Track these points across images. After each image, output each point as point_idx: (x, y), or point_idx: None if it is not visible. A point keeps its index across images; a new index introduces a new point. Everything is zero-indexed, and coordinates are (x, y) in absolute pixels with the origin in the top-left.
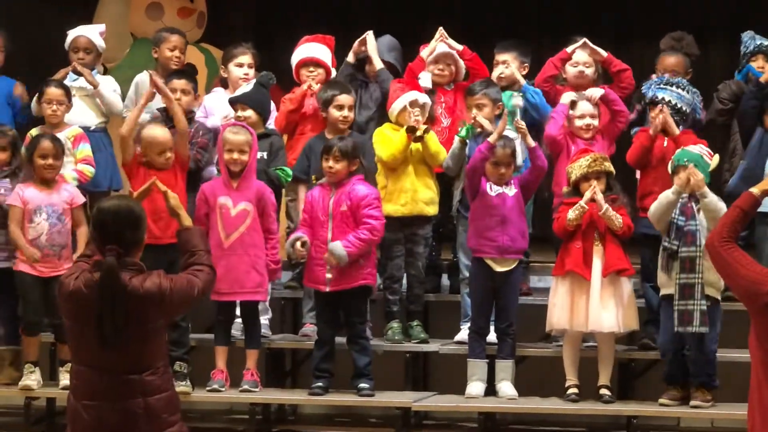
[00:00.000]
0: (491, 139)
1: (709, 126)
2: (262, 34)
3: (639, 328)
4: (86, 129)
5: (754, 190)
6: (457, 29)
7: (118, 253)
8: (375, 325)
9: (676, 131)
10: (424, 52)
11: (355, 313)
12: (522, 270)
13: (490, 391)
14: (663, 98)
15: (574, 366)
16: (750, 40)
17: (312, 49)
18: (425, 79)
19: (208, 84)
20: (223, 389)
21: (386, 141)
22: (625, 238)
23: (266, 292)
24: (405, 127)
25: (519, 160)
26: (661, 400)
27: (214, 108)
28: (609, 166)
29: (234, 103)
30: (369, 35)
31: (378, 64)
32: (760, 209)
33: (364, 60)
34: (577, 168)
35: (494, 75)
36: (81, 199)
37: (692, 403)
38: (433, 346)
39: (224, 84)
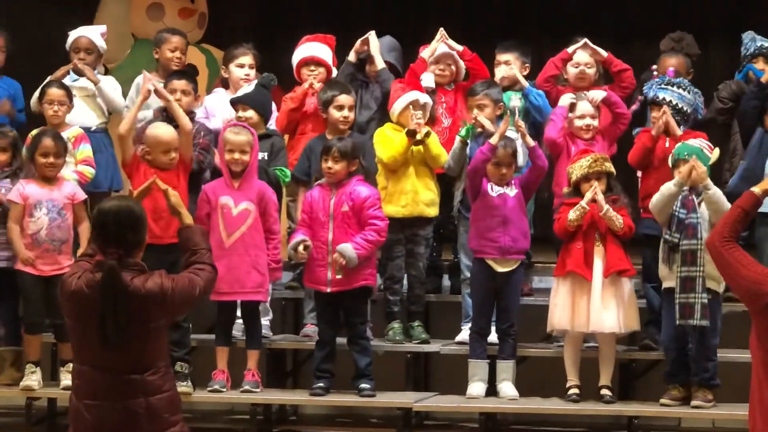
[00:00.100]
0: (493, 140)
1: (709, 126)
2: (262, 34)
3: (640, 328)
4: (87, 129)
5: (756, 189)
6: (457, 29)
7: (119, 254)
8: (376, 326)
9: (678, 132)
10: (425, 53)
11: (355, 313)
12: (523, 270)
13: (491, 391)
14: (664, 98)
15: (575, 366)
16: (750, 42)
17: (313, 48)
18: (428, 80)
19: (209, 85)
20: (224, 390)
21: (387, 142)
22: (626, 239)
23: (267, 292)
24: (405, 130)
25: (520, 160)
26: (662, 401)
27: (216, 109)
28: (610, 166)
29: (235, 103)
30: (371, 35)
31: (380, 64)
32: (761, 209)
33: (364, 60)
34: (577, 168)
35: (496, 75)
36: (82, 195)
37: (693, 403)
38: (434, 347)
39: (225, 84)
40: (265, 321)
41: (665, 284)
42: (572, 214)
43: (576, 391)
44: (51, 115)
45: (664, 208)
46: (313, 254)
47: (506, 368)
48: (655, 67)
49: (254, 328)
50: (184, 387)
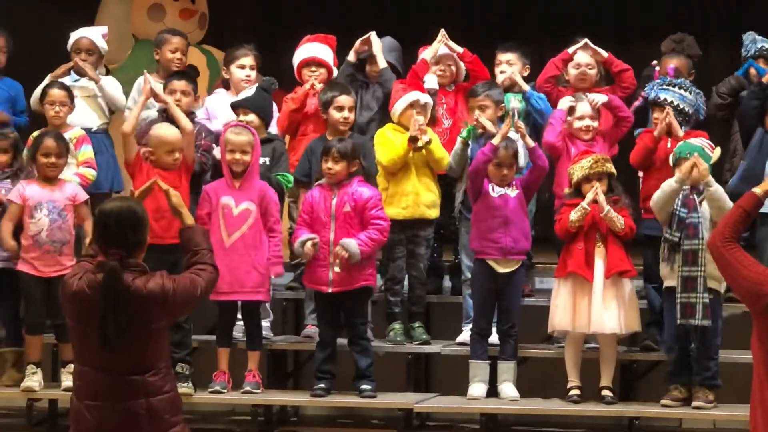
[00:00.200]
0: (494, 140)
1: (710, 126)
2: (263, 34)
3: (641, 329)
4: (87, 130)
5: (757, 190)
6: (457, 29)
7: (120, 255)
8: (376, 327)
9: (680, 133)
10: (427, 54)
11: (356, 314)
12: (524, 271)
13: (492, 392)
14: (665, 99)
15: (576, 367)
16: (751, 43)
17: (314, 48)
18: (431, 82)
19: (210, 86)
20: (225, 391)
21: (387, 144)
22: (627, 240)
23: (267, 292)
24: (408, 137)
25: (521, 161)
26: (663, 401)
27: (217, 110)
28: (611, 167)
29: (236, 107)
30: (373, 35)
31: (382, 64)
32: (762, 209)
33: (364, 60)
34: (578, 169)
35: (497, 74)
36: (84, 195)
37: (694, 404)
38: (435, 348)
39: (226, 85)
40: (265, 322)
41: (666, 283)
42: (573, 215)
43: (577, 392)
44: (52, 115)
45: (664, 206)
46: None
47: (507, 369)
48: (656, 62)
49: (255, 329)
50: (185, 388)
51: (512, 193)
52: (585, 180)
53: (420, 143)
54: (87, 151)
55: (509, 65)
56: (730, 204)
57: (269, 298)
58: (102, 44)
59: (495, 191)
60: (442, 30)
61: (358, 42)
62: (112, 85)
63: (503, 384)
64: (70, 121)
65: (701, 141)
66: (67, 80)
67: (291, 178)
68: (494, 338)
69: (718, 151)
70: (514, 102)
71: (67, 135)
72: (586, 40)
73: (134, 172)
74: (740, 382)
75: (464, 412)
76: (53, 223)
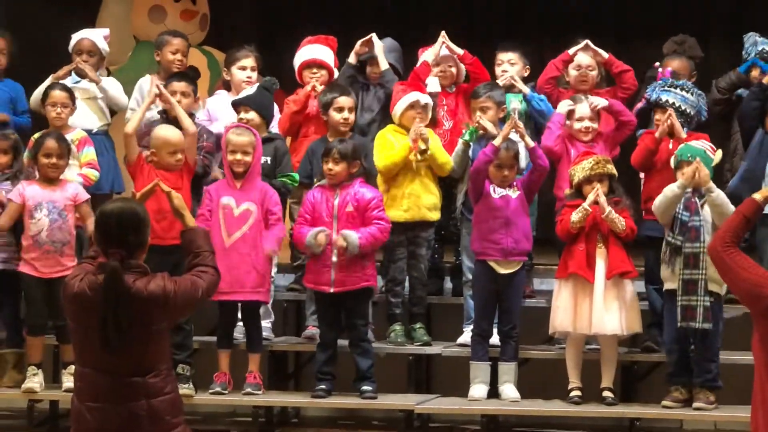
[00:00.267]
0: (496, 141)
1: (710, 126)
2: (263, 34)
3: (642, 330)
4: (88, 132)
5: (757, 196)
6: (457, 29)
7: (121, 256)
8: (377, 328)
9: (683, 134)
10: (428, 56)
11: (357, 315)
12: (525, 272)
13: (493, 393)
14: (667, 101)
15: (577, 368)
16: (751, 46)
17: (314, 50)
18: (433, 85)
19: (210, 87)
20: (226, 392)
21: (385, 148)
22: (628, 241)
23: (267, 293)
24: (416, 152)
25: (522, 163)
26: (664, 403)
27: (218, 112)
28: (612, 168)
29: (237, 105)
30: (374, 37)
31: (383, 65)
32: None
33: (365, 62)
34: (579, 170)
35: (498, 74)
36: (85, 195)
37: (695, 405)
38: (436, 349)
39: (227, 86)
40: (266, 323)
41: (667, 286)
42: (575, 216)
43: (578, 393)
44: (54, 117)
45: (667, 210)
46: (316, 254)
47: (508, 370)
48: (658, 64)
49: (255, 331)
50: (185, 389)
51: (513, 194)
52: (586, 181)
53: (417, 157)
54: (89, 153)
55: (511, 65)
56: (731, 209)
57: (269, 298)
58: (103, 46)
59: (496, 192)
60: (443, 32)
61: (358, 44)
62: (113, 85)
63: (504, 385)
64: (71, 123)
65: (703, 144)
66: (67, 82)
67: (296, 176)
68: (495, 339)
69: (719, 153)
70: (514, 103)
71: (68, 136)
72: (586, 41)
73: (135, 172)
74: (741, 384)
75: (465, 413)
76: (53, 224)
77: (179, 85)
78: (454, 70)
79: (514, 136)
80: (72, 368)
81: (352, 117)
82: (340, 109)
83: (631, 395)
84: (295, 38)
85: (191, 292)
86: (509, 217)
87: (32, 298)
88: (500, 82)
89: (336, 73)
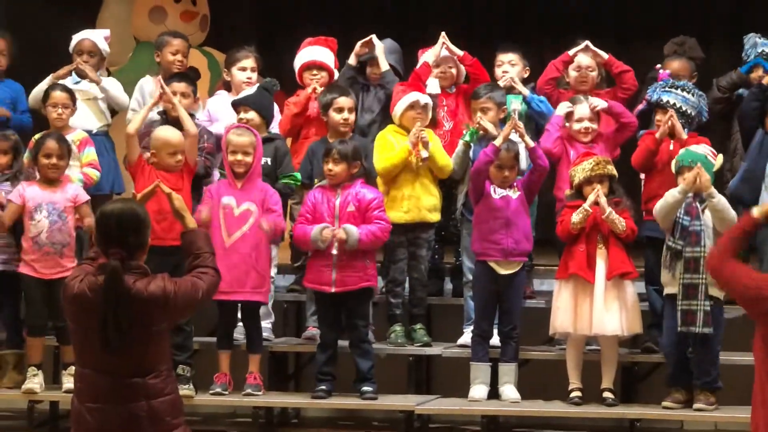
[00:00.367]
0: (496, 142)
1: (710, 126)
2: (263, 35)
3: (642, 331)
4: (88, 133)
5: (755, 212)
6: (457, 29)
7: (121, 257)
8: (378, 329)
9: (684, 135)
10: (429, 57)
11: (357, 315)
12: (525, 273)
13: (493, 394)
14: (668, 101)
15: (577, 369)
16: (751, 48)
17: (315, 52)
18: (433, 86)
19: (211, 88)
20: (226, 393)
21: (385, 149)
22: (628, 241)
23: (267, 293)
24: (419, 160)
25: (523, 164)
26: (664, 403)
27: (219, 112)
28: (612, 169)
29: (236, 105)
30: (374, 38)
31: (384, 66)
32: None
33: (365, 63)
34: (580, 171)
35: (497, 75)
36: (85, 196)
37: (695, 405)
38: (436, 350)
39: (227, 87)
40: (266, 324)
41: (667, 290)
42: (575, 217)
43: (578, 394)
44: (55, 118)
45: (667, 215)
46: (317, 254)
47: (508, 371)
48: (659, 66)
49: (255, 332)
50: (186, 390)
51: (514, 194)
52: (586, 182)
53: (418, 160)
54: (90, 153)
55: (511, 65)
56: (732, 214)
57: (268, 299)
58: (104, 46)
59: (496, 193)
60: (443, 33)
61: (358, 45)
62: (114, 85)
63: (504, 386)
64: (71, 124)
65: (704, 149)
66: (68, 82)
67: (298, 176)
68: (495, 340)
69: (720, 158)
70: (514, 103)
71: (69, 137)
72: (587, 42)
73: (136, 173)
74: (741, 384)
75: (465, 414)
76: (53, 225)
77: (179, 86)
78: (454, 71)
79: (514, 137)
80: (72, 369)
81: (352, 117)
82: (340, 110)
83: (631, 396)
84: (295, 38)
85: (191, 293)
86: (509, 217)
87: (32, 299)
88: (501, 83)
89: (336, 75)
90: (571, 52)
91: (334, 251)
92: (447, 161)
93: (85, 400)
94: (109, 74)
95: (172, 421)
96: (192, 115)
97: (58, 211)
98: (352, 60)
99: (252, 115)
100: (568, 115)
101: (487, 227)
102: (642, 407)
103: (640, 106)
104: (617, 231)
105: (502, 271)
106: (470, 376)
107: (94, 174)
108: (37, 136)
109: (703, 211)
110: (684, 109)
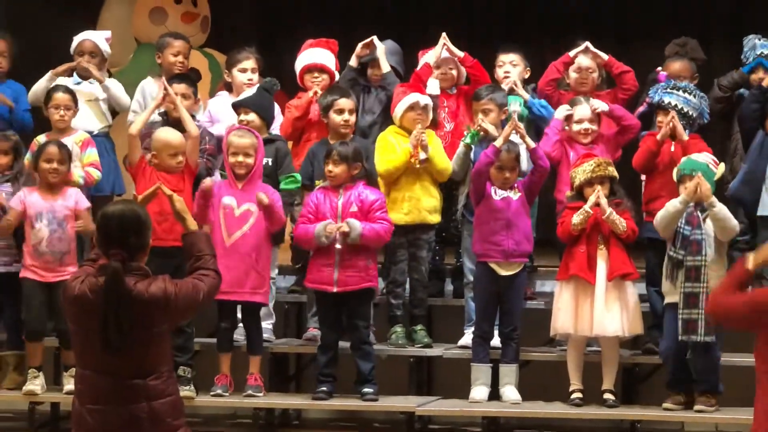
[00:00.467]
0: (497, 143)
1: (710, 127)
2: (263, 35)
3: (643, 332)
4: (89, 134)
5: (750, 263)
6: (457, 29)
7: (122, 258)
8: (378, 330)
9: (685, 137)
10: (430, 58)
11: (358, 316)
12: (526, 274)
13: (494, 395)
14: (670, 103)
15: (578, 370)
16: (750, 50)
17: (316, 54)
18: (433, 87)
19: (212, 89)
20: (227, 394)
21: (387, 151)
22: (629, 242)
23: (267, 294)
24: (417, 161)
25: (524, 166)
26: (664, 405)
27: (220, 113)
28: (613, 170)
29: (237, 107)
30: (375, 39)
31: (385, 68)
32: (762, 213)
33: (366, 64)
34: (581, 173)
35: (498, 75)
36: (85, 202)
37: (696, 407)
38: (437, 351)
39: (229, 88)
40: (267, 325)
41: (667, 299)
42: (576, 219)
43: (579, 395)
44: (57, 119)
45: (669, 225)
46: (319, 255)
47: (509, 372)
48: (659, 69)
49: (255, 333)
50: (186, 391)
51: (514, 195)
52: (587, 183)
53: (416, 162)
54: (92, 154)
55: (513, 66)
56: (733, 222)
57: (268, 300)
58: (105, 47)
59: (497, 194)
60: (444, 34)
61: (359, 46)
62: (115, 85)
63: (505, 387)
64: (72, 125)
65: (705, 157)
66: (69, 83)
67: (298, 176)
68: (496, 341)
69: (722, 167)
70: (514, 105)
71: (72, 138)
72: (587, 43)
73: (137, 174)
74: (742, 386)
75: (466, 415)
76: (53, 234)
77: (179, 87)
78: (454, 72)
79: (515, 138)
80: (73, 370)
81: (352, 119)
82: (341, 111)
83: (632, 397)
84: (295, 39)
85: (192, 294)
86: (510, 218)
87: (31, 302)
88: (504, 86)
89: (337, 77)
90: (571, 53)
91: (338, 246)
92: (446, 165)
93: (85, 402)
94: (110, 75)
95: (173, 423)
96: (193, 117)
97: (59, 219)
98: (353, 61)
99: (252, 116)
100: (568, 117)
101: (488, 228)
102: (643, 408)
103: (641, 108)
104: (618, 232)
105: (503, 272)
106: (471, 377)
107: (96, 173)
108: (39, 138)
109: (704, 220)
110: (685, 110)
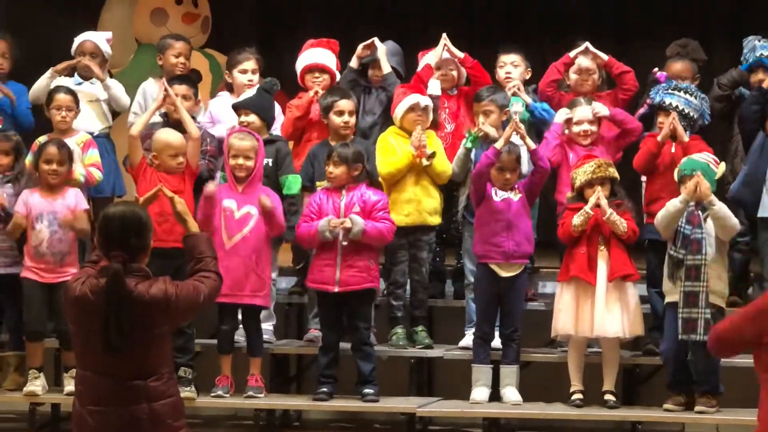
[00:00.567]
0: (498, 144)
1: (711, 127)
2: (263, 35)
3: (644, 333)
4: (90, 134)
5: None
6: (457, 29)
7: (123, 259)
8: (379, 331)
9: (686, 138)
10: (431, 59)
11: (359, 316)
12: (527, 275)
13: (495, 396)
14: (671, 104)
15: (578, 371)
16: (750, 52)
17: (317, 54)
18: (434, 87)
19: (212, 90)
20: (228, 395)
21: (388, 153)
22: (630, 243)
23: (267, 296)
24: (423, 158)
25: (525, 168)
26: (665, 406)
27: (221, 114)
28: (613, 171)
29: (237, 108)
30: (376, 40)
31: (386, 69)
32: (762, 214)
33: (367, 65)
34: (581, 174)
35: (500, 76)
36: (84, 204)
37: (697, 408)
38: (438, 352)
39: (230, 88)
40: (268, 326)
41: (668, 298)
42: (576, 220)
43: (579, 396)
44: (59, 120)
45: (669, 224)
46: (320, 255)
47: (510, 373)
48: (656, 69)
49: (255, 335)
50: (187, 392)
51: (515, 197)
52: (588, 185)
53: (424, 162)
54: (93, 155)
55: (514, 66)
56: (734, 221)
57: (269, 303)
58: (106, 48)
59: (498, 195)
60: (444, 35)
61: (360, 47)
62: (115, 85)
63: (506, 388)
64: (74, 126)
65: (706, 157)
66: (70, 84)
67: (299, 178)
68: (497, 342)
69: (722, 167)
70: (515, 105)
71: (74, 139)
72: (587, 43)
73: (138, 176)
74: (742, 387)
75: (467, 416)
76: (53, 235)
77: (180, 88)
78: (455, 73)
79: (515, 139)
80: (73, 372)
81: (352, 120)
82: (340, 113)
83: (632, 398)
84: (295, 39)
85: (193, 296)
86: (511, 220)
87: (31, 303)
88: (507, 91)
89: (338, 77)
90: (571, 54)
91: (344, 242)
92: (445, 167)
93: (86, 403)
94: (111, 76)
95: (174, 424)
96: (193, 118)
97: (59, 220)
98: (353, 63)
99: (252, 117)
100: (568, 119)
101: (489, 229)
102: (643, 410)
103: (642, 110)
104: (618, 232)
105: (504, 274)
106: (472, 379)
107: (97, 173)
108: (40, 139)
109: (705, 219)
110: (686, 111)
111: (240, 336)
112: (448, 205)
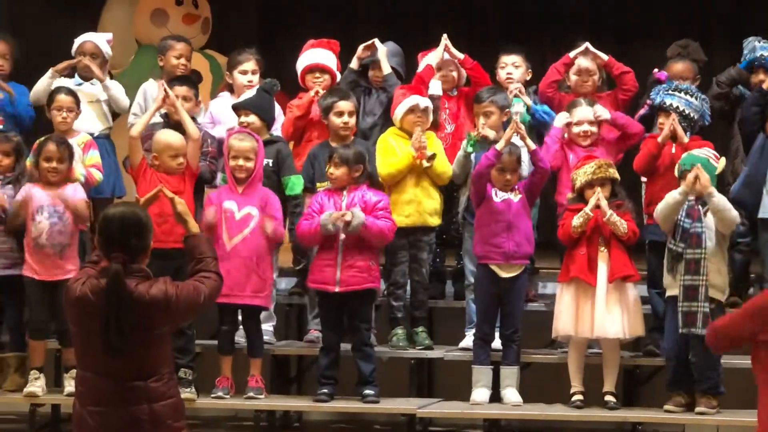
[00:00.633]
0: (498, 145)
1: (711, 128)
2: (263, 35)
3: (644, 334)
4: (90, 135)
5: None
6: (457, 29)
7: (123, 260)
8: (379, 332)
9: (686, 139)
10: (431, 60)
11: (360, 317)
12: (527, 276)
13: (495, 397)
14: (671, 104)
15: (579, 372)
16: (750, 53)
17: (317, 55)
18: (435, 88)
19: (213, 90)
20: (228, 396)
21: (388, 154)
22: (630, 244)
23: (268, 297)
24: (424, 158)
25: (525, 170)
26: (666, 407)
27: (221, 115)
28: (614, 172)
29: (237, 108)
30: (376, 41)
31: (386, 69)
32: (763, 215)
33: (367, 66)
34: (582, 175)
35: (503, 76)
36: (83, 196)
37: (697, 409)
38: (438, 353)
39: (230, 89)
40: (268, 327)
41: (669, 292)
42: (576, 221)
43: (580, 397)
44: (59, 121)
45: (668, 216)
46: (321, 255)
47: (510, 374)
48: (656, 70)
49: (255, 336)
50: (187, 393)
51: (515, 197)
52: (588, 185)
53: (426, 163)
54: (94, 156)
55: (515, 67)
56: (733, 213)
57: (269, 304)
58: (106, 49)
59: (498, 196)
60: (445, 35)
61: (360, 48)
62: (115, 86)
63: (506, 389)
64: (74, 127)
65: (706, 152)
66: (70, 84)
67: (301, 179)
68: (497, 343)
69: (722, 161)
70: (516, 106)
71: (74, 140)
72: (587, 44)
73: (138, 176)
74: (743, 388)
75: (467, 417)
76: (53, 227)
77: (180, 89)
78: (455, 74)
79: (516, 140)
80: (74, 372)
81: (352, 121)
82: (340, 114)
83: (633, 399)
84: (295, 39)
85: (193, 297)
86: (511, 220)
87: (34, 301)
88: (509, 94)
89: (338, 77)
90: (571, 55)
91: (343, 235)
92: (445, 168)
93: (86, 404)
94: (111, 77)
95: (174, 425)
96: (194, 119)
97: (59, 212)
98: (353, 63)
99: (252, 118)
100: (568, 122)
101: (489, 230)
102: (644, 410)
103: (642, 111)
104: (619, 233)
105: (504, 274)
106: (472, 379)
107: (98, 175)
108: (41, 140)
109: (705, 213)
110: (687, 112)
111: (240, 337)
112: (448, 206)
